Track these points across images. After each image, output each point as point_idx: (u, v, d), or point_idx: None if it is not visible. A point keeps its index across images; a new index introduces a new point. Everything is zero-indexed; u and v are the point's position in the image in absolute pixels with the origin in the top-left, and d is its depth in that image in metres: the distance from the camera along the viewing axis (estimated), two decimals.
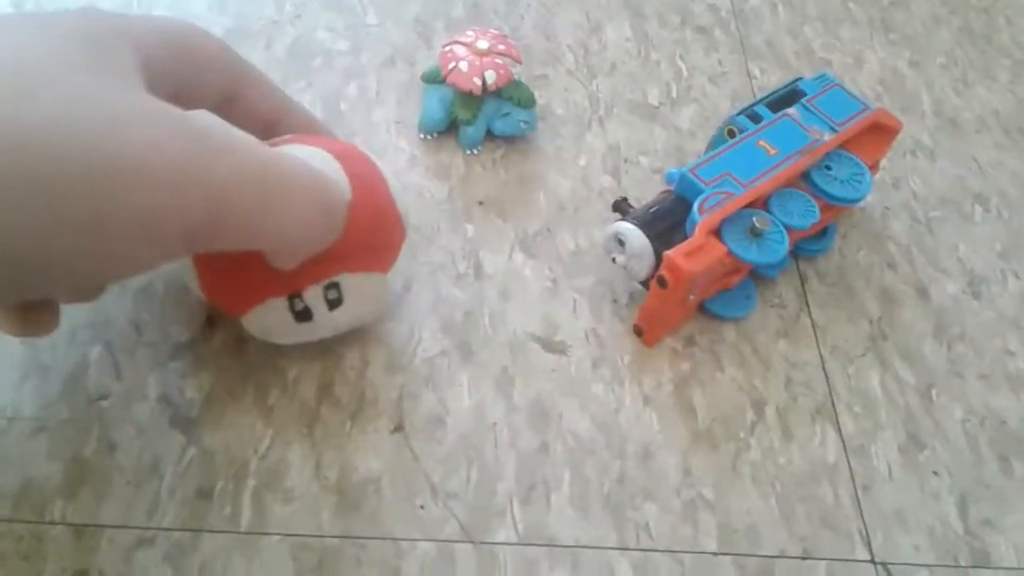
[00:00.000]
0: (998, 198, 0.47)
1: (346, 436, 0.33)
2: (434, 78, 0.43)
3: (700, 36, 0.52)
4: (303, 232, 0.29)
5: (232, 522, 0.31)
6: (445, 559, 0.31)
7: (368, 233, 0.32)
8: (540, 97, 0.47)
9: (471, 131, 0.43)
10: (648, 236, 0.36)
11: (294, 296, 0.31)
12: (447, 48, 0.42)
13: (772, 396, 0.37)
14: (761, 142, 0.39)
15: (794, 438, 0.36)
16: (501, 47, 0.42)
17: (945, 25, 0.58)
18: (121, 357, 0.34)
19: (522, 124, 0.43)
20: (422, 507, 0.32)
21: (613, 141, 0.46)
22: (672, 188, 0.38)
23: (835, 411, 0.37)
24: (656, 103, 0.48)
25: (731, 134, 0.41)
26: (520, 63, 0.43)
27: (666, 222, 0.37)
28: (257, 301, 0.31)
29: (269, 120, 0.33)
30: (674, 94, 0.49)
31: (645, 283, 0.37)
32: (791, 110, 0.41)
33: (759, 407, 0.37)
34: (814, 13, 0.56)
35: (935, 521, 0.35)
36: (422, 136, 0.44)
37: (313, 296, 0.31)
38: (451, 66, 0.41)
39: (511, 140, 0.45)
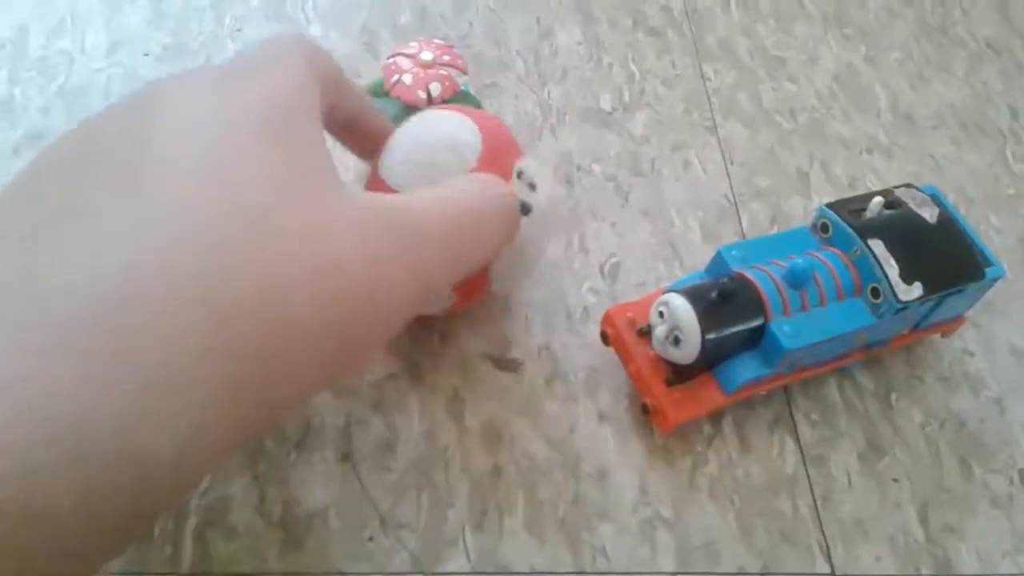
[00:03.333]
0: (955, 194, 0.47)
1: (291, 467, 0.32)
2: (378, 91, 0.42)
3: (653, 38, 0.52)
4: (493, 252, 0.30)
5: (173, 563, 0.30)
6: None
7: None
8: (490, 107, 0.46)
9: None
10: (698, 314, 0.32)
11: None
12: (391, 60, 0.41)
13: (729, 407, 0.36)
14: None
15: (752, 450, 0.35)
16: (446, 58, 0.41)
17: (900, 18, 0.57)
18: None
19: None
20: (371, 539, 0.31)
21: (566, 149, 0.45)
22: (754, 283, 0.33)
23: (793, 420, 0.37)
24: (609, 108, 0.47)
25: (824, 228, 0.36)
26: (466, 74, 0.42)
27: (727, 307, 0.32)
28: None
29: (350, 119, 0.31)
30: (627, 99, 0.48)
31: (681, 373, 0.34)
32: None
33: (715, 419, 0.36)
34: (768, 10, 0.55)
35: (896, 530, 0.34)
36: None
37: None
38: (395, 79, 0.40)
39: None
